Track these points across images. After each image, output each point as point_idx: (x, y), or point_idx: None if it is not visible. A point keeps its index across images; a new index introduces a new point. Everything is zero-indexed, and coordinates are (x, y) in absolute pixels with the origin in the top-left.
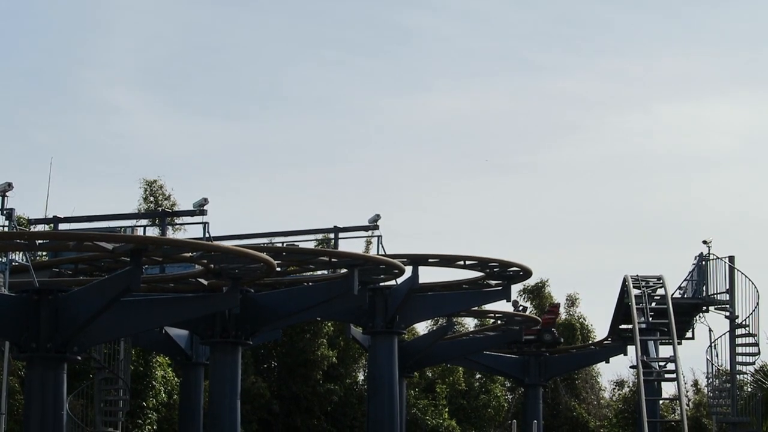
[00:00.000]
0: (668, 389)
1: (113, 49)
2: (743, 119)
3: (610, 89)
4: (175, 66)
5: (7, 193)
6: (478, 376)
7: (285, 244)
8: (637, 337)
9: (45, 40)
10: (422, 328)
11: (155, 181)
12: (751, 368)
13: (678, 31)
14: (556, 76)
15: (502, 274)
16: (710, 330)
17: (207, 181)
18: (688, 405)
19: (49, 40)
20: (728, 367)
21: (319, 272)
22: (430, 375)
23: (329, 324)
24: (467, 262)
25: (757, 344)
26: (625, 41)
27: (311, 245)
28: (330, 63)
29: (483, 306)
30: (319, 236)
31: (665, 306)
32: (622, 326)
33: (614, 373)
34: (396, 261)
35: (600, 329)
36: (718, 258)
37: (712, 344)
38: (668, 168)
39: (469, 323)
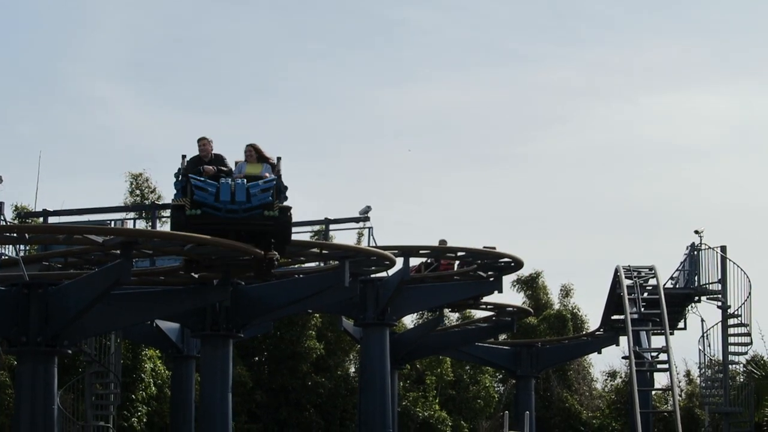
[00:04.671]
0: (660, 380)
1: (98, 42)
2: (731, 109)
3: (597, 80)
4: (160, 59)
5: None
6: (467, 367)
7: None
8: (629, 328)
9: (29, 34)
10: (409, 321)
11: (140, 174)
12: (743, 358)
13: (665, 21)
14: (543, 67)
15: (494, 266)
16: (702, 320)
17: None
18: (680, 395)
19: (33, 33)
20: (720, 358)
21: (306, 265)
22: (419, 367)
23: (317, 316)
24: (458, 254)
25: (749, 334)
26: (611, 31)
27: (303, 237)
28: (316, 55)
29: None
30: (311, 229)
31: (657, 296)
32: (614, 317)
33: (606, 363)
34: (387, 252)
35: (592, 320)
36: (709, 248)
37: (705, 334)
38: (658, 158)
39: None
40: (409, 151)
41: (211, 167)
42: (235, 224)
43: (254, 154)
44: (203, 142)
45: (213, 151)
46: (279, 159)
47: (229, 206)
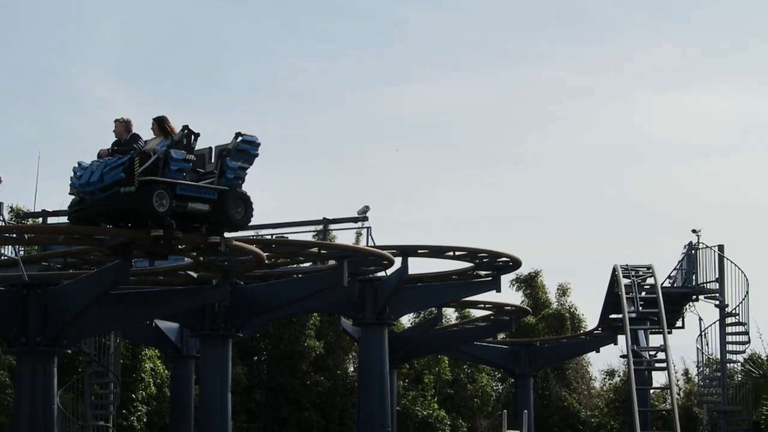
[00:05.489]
0: (659, 378)
1: (97, 42)
2: (730, 109)
3: (595, 79)
4: (159, 59)
5: None
6: (465, 366)
7: (274, 236)
8: (627, 327)
9: (28, 34)
10: (407, 321)
11: None
12: (740, 357)
13: (662, 21)
14: (542, 67)
15: (492, 265)
16: (700, 319)
17: None
18: (678, 394)
19: (32, 33)
20: (718, 356)
21: (306, 264)
22: (417, 366)
23: (316, 315)
24: (456, 253)
25: (746, 333)
26: (610, 31)
27: (304, 237)
28: (315, 55)
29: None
30: (311, 229)
31: (655, 295)
32: (612, 316)
33: (605, 362)
34: (385, 252)
35: (590, 319)
36: (707, 247)
37: (702, 333)
38: (656, 158)
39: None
40: (397, 151)
41: (105, 149)
42: (99, 206)
43: (156, 127)
44: (115, 124)
45: (133, 132)
46: (184, 128)
47: (86, 189)
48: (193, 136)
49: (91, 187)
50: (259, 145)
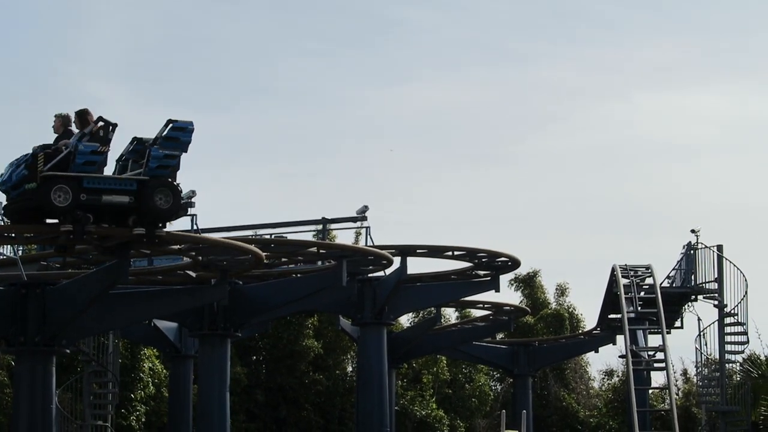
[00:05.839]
0: (657, 378)
1: (96, 42)
2: (727, 108)
3: (594, 79)
4: (158, 58)
5: None
6: (463, 366)
7: (273, 236)
8: (626, 327)
9: (27, 33)
10: (405, 320)
11: None
12: (739, 357)
13: (662, 21)
14: (541, 66)
15: (491, 265)
16: (699, 319)
17: (192, 173)
18: (677, 394)
19: (31, 33)
20: (717, 356)
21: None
22: (415, 365)
23: (314, 315)
24: (455, 253)
25: (745, 333)
26: (610, 31)
27: (303, 237)
28: (315, 55)
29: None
30: (311, 228)
31: (654, 295)
32: (611, 316)
33: (603, 362)
34: (384, 252)
35: (589, 319)
36: (706, 247)
37: (701, 333)
38: (654, 157)
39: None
40: (391, 151)
41: (38, 146)
42: (13, 204)
43: (77, 121)
44: (54, 119)
45: (69, 128)
46: (98, 119)
47: (1, 188)
48: (110, 128)
49: (4, 186)
50: (192, 131)
